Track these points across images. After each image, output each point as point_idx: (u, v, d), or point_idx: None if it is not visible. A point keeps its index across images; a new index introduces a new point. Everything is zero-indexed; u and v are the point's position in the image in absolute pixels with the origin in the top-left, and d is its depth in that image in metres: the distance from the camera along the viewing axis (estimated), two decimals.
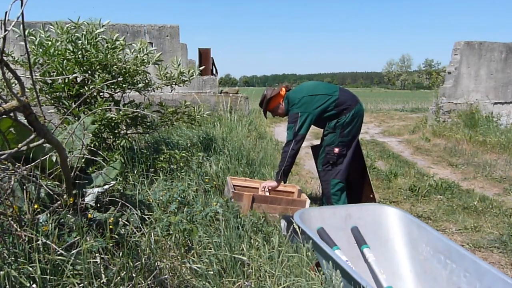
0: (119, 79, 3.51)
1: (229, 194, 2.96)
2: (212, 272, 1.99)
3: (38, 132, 1.51)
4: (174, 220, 2.36)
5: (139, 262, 1.77)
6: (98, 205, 2.16)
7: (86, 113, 2.98)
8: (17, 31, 3.38)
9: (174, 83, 3.99)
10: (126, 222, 2.09)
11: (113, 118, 3.46)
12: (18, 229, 1.57)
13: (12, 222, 1.59)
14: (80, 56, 3.45)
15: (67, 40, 3.40)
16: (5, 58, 1.29)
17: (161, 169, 3.39)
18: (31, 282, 1.43)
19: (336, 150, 3.05)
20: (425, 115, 11.20)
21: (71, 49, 3.40)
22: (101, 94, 3.68)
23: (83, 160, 2.14)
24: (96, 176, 2.27)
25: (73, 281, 1.49)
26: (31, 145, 1.57)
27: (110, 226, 1.88)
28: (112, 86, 3.63)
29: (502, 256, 2.89)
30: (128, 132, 3.91)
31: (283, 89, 3.27)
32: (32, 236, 1.54)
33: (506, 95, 9.67)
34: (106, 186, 2.19)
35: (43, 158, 1.88)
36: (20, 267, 1.45)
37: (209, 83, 9.89)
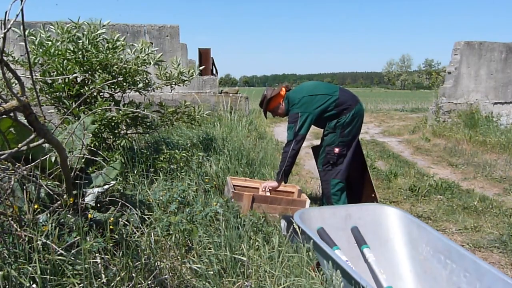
0: (119, 79, 3.51)
1: (229, 194, 2.96)
2: (212, 272, 1.99)
3: (38, 132, 1.51)
4: (174, 220, 2.36)
5: (139, 262, 1.77)
6: (98, 205, 2.16)
7: (86, 113, 2.98)
8: (17, 31, 3.37)
9: (174, 83, 3.99)
10: (126, 222, 2.09)
11: (113, 118, 3.46)
12: (18, 229, 1.57)
13: (12, 222, 1.59)
14: (80, 56, 3.45)
15: (68, 40, 3.40)
16: (5, 58, 1.29)
17: (161, 169, 3.39)
18: (31, 282, 1.43)
19: (336, 150, 3.05)
20: (425, 115, 11.20)
21: (72, 49, 3.40)
22: (101, 94, 3.68)
23: (83, 160, 2.14)
24: (96, 176, 2.27)
25: (73, 281, 1.49)
26: (31, 145, 1.57)
27: (110, 226, 1.88)
28: (113, 86, 3.63)
29: (502, 256, 2.89)
30: (128, 132, 3.91)
31: (283, 89, 3.27)
32: (32, 236, 1.53)
33: (506, 95, 9.67)
34: (106, 186, 2.19)
35: (43, 158, 1.88)
36: (20, 267, 1.45)
37: (209, 83, 9.89)
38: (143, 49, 3.70)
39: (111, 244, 1.80)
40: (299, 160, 5.89)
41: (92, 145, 3.17)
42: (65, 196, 1.93)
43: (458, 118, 8.93)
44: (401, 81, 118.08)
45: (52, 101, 3.58)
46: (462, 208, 3.89)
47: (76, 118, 3.07)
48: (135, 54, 3.67)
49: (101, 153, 2.62)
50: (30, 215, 1.67)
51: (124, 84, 3.66)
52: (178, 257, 2.15)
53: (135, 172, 3.17)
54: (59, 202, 1.89)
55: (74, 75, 3.22)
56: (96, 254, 1.70)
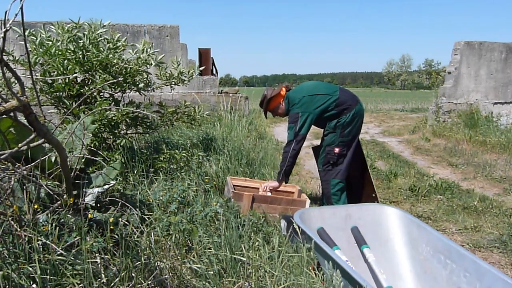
0: (119, 79, 3.51)
1: (229, 194, 2.96)
2: (212, 272, 1.99)
3: (38, 132, 1.51)
4: (174, 220, 2.36)
5: (139, 262, 1.77)
6: (98, 205, 2.15)
7: (86, 113, 2.97)
8: (18, 31, 3.37)
9: (174, 83, 3.99)
10: (126, 222, 2.08)
11: (113, 118, 3.46)
12: (18, 229, 1.57)
13: (12, 222, 1.59)
14: (80, 56, 3.45)
15: (69, 40, 3.40)
16: (5, 58, 1.29)
17: (161, 169, 3.39)
18: (31, 282, 1.43)
19: (337, 150, 3.06)
20: (425, 115, 11.20)
21: (72, 49, 3.40)
22: (101, 94, 3.68)
23: (83, 160, 2.14)
24: (96, 176, 2.26)
25: (73, 281, 1.49)
26: (31, 145, 1.57)
27: (110, 226, 1.88)
28: (113, 86, 3.63)
29: (502, 256, 2.89)
30: (128, 132, 3.91)
31: (283, 89, 3.27)
32: (32, 236, 1.53)
33: (506, 95, 9.67)
34: (106, 186, 2.19)
35: (43, 158, 1.87)
36: (20, 267, 1.45)
37: (209, 83, 9.89)
38: (144, 49, 3.70)
39: (111, 244, 1.80)
40: (299, 160, 5.89)
41: (92, 145, 3.17)
42: (65, 196, 1.93)
43: (458, 118, 8.93)
44: (401, 81, 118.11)
45: (52, 101, 3.58)
46: (462, 208, 3.89)
47: (76, 118, 3.07)
48: (137, 54, 3.68)
49: (101, 153, 2.62)
50: (30, 215, 1.67)
51: (124, 84, 3.66)
52: (178, 257, 2.15)
53: (135, 172, 3.17)
54: (59, 202, 1.89)
55: (75, 75, 3.22)
56: (96, 254, 1.70)
